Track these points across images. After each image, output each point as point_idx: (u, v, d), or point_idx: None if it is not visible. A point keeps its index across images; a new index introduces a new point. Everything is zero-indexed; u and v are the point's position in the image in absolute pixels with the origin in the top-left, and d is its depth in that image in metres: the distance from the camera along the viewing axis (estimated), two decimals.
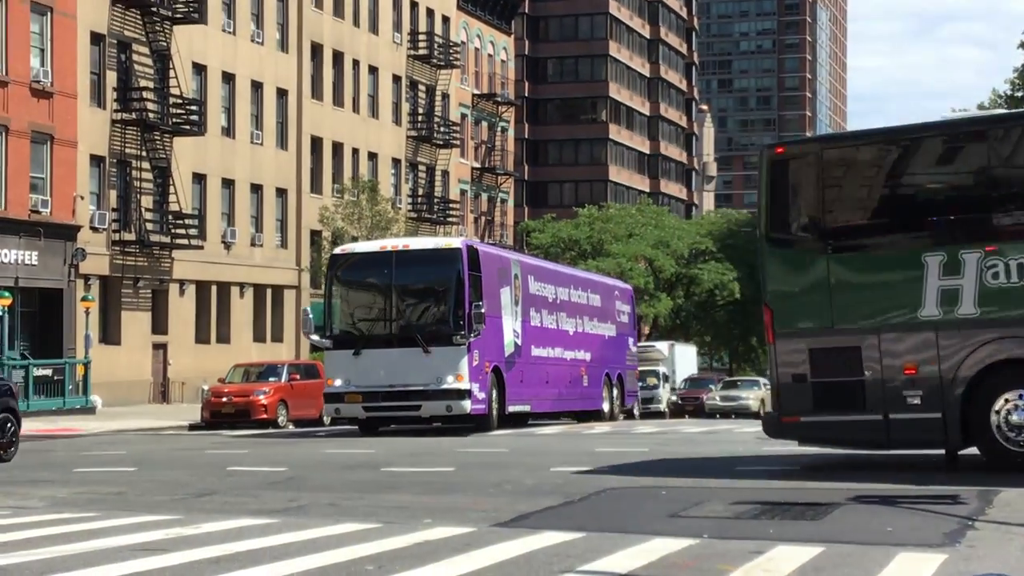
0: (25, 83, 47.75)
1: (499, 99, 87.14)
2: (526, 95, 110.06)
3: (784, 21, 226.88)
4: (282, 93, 64.29)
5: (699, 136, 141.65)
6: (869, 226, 17.58)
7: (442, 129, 78.04)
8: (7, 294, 43.45)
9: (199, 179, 58.57)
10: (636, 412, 44.92)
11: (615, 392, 40.49)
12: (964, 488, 14.74)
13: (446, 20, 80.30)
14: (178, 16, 55.98)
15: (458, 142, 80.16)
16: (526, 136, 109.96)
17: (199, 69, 58.61)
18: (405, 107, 75.35)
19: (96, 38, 52.29)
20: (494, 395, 31.37)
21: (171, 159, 56.03)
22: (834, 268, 17.17)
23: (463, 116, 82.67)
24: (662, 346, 66.91)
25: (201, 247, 56.94)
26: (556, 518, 13.12)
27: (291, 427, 38.31)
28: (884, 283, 17.07)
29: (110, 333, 53.31)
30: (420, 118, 76.70)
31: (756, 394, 57.55)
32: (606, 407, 39.54)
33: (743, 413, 54.28)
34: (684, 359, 69.96)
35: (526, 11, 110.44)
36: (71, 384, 45.32)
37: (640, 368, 58.10)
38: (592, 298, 40.03)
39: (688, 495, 14.92)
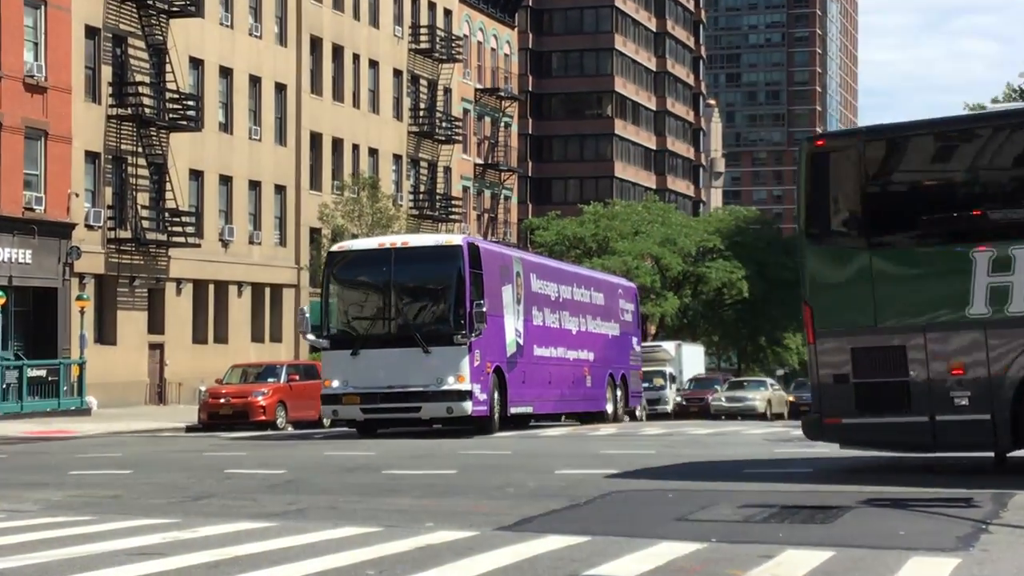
0: (18, 78, 47.78)
1: (502, 94, 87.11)
2: (530, 90, 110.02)
3: (793, 14, 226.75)
4: (281, 88, 64.30)
5: (707, 131, 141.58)
6: (914, 221, 17.21)
7: (444, 124, 78.04)
8: (1, 293, 43.48)
9: (196, 176, 58.59)
10: (639, 414, 44.56)
11: (619, 393, 40.35)
12: (978, 491, 14.73)
13: (448, 13, 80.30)
14: (174, 9, 56.01)
15: (460, 138, 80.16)
16: (530, 132, 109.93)
17: (196, 63, 58.63)
18: (406, 102, 75.36)
19: (91, 32, 52.31)
20: (496, 396, 31.16)
21: (167, 155, 56.05)
22: (877, 265, 16.90)
23: (465, 111, 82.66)
24: (669, 346, 66.90)
25: (198, 245, 56.96)
26: (561, 521, 13.12)
27: (290, 429, 38.31)
28: (930, 280, 16.78)
29: (105, 333, 53.34)
30: (422, 113, 76.69)
31: (763, 395, 57.43)
32: (609, 408, 39.39)
33: (749, 414, 54.13)
34: (691, 359, 69.94)
35: (530, 4, 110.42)
36: (66, 385, 45.35)
37: (646, 368, 58.05)
38: (595, 296, 39.90)
39: (696, 498, 14.91)
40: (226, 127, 60.72)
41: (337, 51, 69.08)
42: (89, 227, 51.58)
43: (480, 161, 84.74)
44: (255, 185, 62.49)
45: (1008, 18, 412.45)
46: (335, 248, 33.16)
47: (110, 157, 53.32)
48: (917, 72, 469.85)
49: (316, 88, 67.10)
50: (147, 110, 54.40)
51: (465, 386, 29.60)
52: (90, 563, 10.67)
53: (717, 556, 10.78)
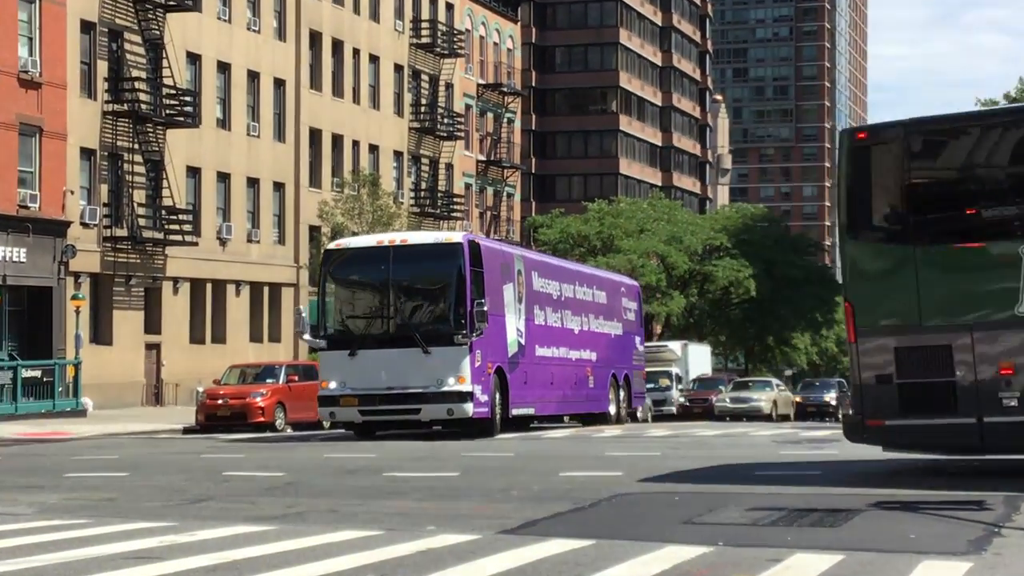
0: (13, 73, 47.79)
1: (505, 89, 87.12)
2: (533, 85, 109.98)
3: (802, 8, 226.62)
4: (279, 83, 64.31)
5: (713, 127, 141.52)
6: (960, 216, 16.94)
7: (446, 120, 78.04)
8: None
9: (193, 173, 58.60)
10: (639, 415, 44.24)
11: (622, 394, 40.25)
12: (990, 494, 14.73)
13: (450, 7, 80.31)
14: (171, 3, 56.01)
15: (462, 134, 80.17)
16: (533, 128, 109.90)
17: (193, 58, 58.64)
18: (407, 98, 75.36)
19: (86, 26, 52.32)
20: (497, 397, 30.96)
21: (164, 152, 56.07)
22: (921, 261, 16.64)
23: (468, 107, 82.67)
24: (675, 346, 66.86)
25: (195, 243, 56.98)
26: (565, 525, 13.12)
27: (289, 430, 38.32)
28: (977, 277, 16.53)
29: (101, 333, 53.35)
30: (423, 109, 76.69)
31: (768, 396, 57.13)
32: (612, 409, 39.25)
33: (754, 416, 53.77)
34: (698, 359, 69.91)
35: None
36: (61, 386, 45.36)
37: (652, 369, 58.03)
38: (598, 295, 39.77)
39: (703, 500, 14.92)
40: (224, 123, 60.73)
41: (337, 46, 69.08)
42: (84, 225, 51.59)
43: (482, 158, 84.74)
44: (253, 182, 62.50)
45: (1021, 12, 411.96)
46: (332, 246, 32.89)
47: (106, 154, 53.33)
48: (927, 67, 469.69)
49: (315, 83, 67.11)
50: (143, 106, 54.41)
51: (466, 387, 29.40)
52: (86, 567, 10.67)
53: (724, 560, 10.78)
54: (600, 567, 10.39)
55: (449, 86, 79.83)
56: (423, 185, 76.81)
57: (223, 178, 60.49)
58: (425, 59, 77.03)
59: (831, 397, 63.25)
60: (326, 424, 35.49)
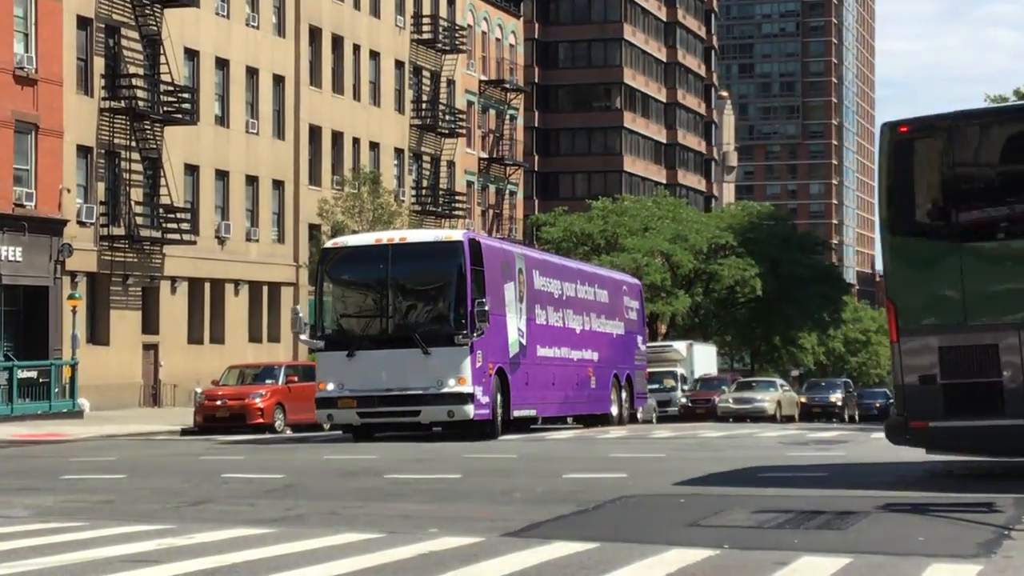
0: (8, 70, 47.81)
1: (507, 85, 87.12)
2: (536, 81, 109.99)
3: (808, 2, 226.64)
4: (279, 80, 64.33)
5: (719, 124, 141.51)
6: (1007, 212, 16.68)
7: (447, 117, 78.05)
8: None
9: (191, 170, 58.62)
10: (640, 416, 43.88)
11: (624, 394, 40.11)
12: (999, 496, 14.72)
13: (451, 2, 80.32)
14: None
15: (464, 131, 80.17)
16: (536, 124, 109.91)
17: (191, 55, 58.66)
18: (408, 94, 75.37)
19: (83, 22, 52.34)
20: (498, 399, 30.73)
21: (162, 149, 56.08)
22: (967, 259, 16.37)
23: (470, 104, 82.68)
24: (680, 346, 66.83)
25: (194, 242, 57.00)
26: (569, 527, 13.13)
27: (289, 432, 38.32)
28: None
29: (98, 333, 53.38)
30: (424, 106, 76.70)
31: (772, 396, 56.86)
32: (614, 410, 39.08)
33: (758, 416, 53.46)
34: (703, 359, 69.88)
35: None
36: (57, 387, 45.39)
37: (657, 369, 57.99)
38: (599, 294, 39.62)
39: (708, 503, 14.92)
40: (222, 120, 60.75)
41: (337, 41, 69.09)
42: (81, 224, 51.61)
43: (484, 155, 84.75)
44: (252, 180, 62.52)
45: None
46: (329, 244, 32.69)
47: (103, 151, 53.35)
48: (936, 62, 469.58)
49: (315, 80, 67.12)
50: (141, 103, 54.44)
51: (467, 388, 29.21)
52: (83, 570, 10.68)
53: (730, 563, 10.79)
54: (604, 570, 10.39)
55: (451, 82, 79.84)
56: (424, 183, 76.82)
57: (221, 176, 60.51)
58: (426, 55, 77.04)
59: (837, 397, 63.14)
60: (326, 426, 35.46)
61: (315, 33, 67.30)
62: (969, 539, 11.80)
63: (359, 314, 30.88)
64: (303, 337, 32.03)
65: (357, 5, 70.82)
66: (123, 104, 53.88)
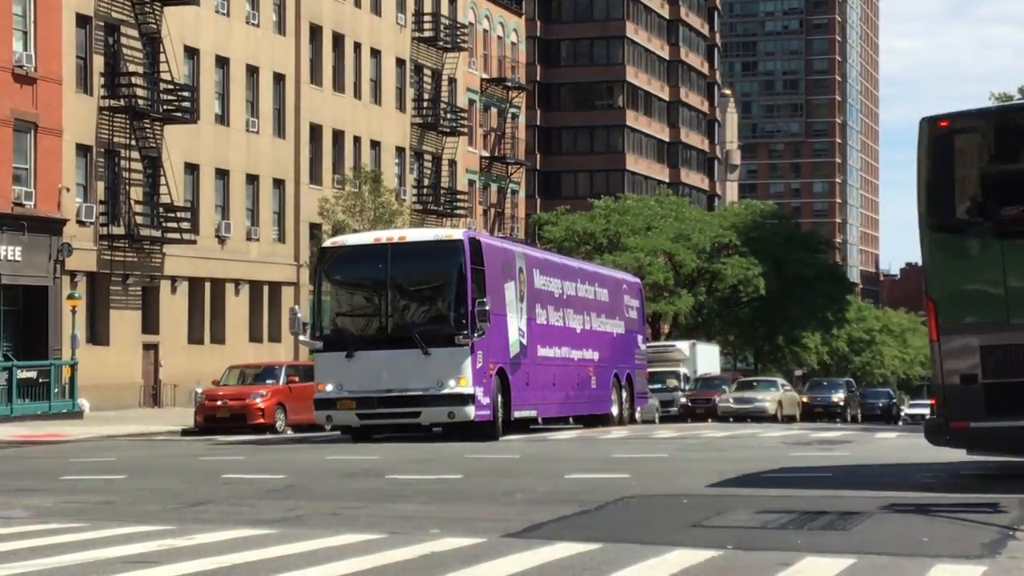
0: (7, 68, 47.82)
1: (509, 84, 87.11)
2: (538, 79, 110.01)
3: (812, 0, 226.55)
4: (279, 78, 64.33)
5: (722, 122, 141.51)
6: None
7: (449, 116, 78.05)
8: None
9: (191, 169, 58.63)
10: (638, 416, 43.39)
11: (624, 394, 39.97)
12: (1004, 496, 14.73)
13: (453, 0, 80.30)
14: None
15: (466, 130, 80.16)
16: (538, 123, 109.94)
17: (191, 53, 58.67)
18: (410, 92, 75.37)
19: (82, 20, 52.35)
20: (499, 400, 30.54)
21: (162, 148, 56.09)
22: (1009, 255, 16.16)
23: (471, 102, 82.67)
24: (683, 346, 66.81)
25: (194, 242, 57.00)
26: (571, 528, 13.13)
27: (290, 432, 38.33)
28: None
29: (98, 333, 53.39)
30: (425, 104, 76.70)
31: (773, 396, 56.54)
32: (615, 410, 38.92)
33: (758, 416, 53.07)
34: (706, 359, 69.85)
35: None
36: (57, 387, 45.39)
37: (660, 369, 57.93)
38: (600, 292, 39.47)
39: (711, 503, 14.92)
40: (222, 119, 60.75)
41: (337, 40, 69.10)
42: (81, 223, 51.62)
43: (486, 154, 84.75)
44: (253, 179, 62.52)
45: None
46: (327, 243, 32.43)
47: (102, 150, 53.36)
48: (941, 60, 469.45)
49: (316, 78, 67.13)
50: (140, 101, 54.44)
51: (467, 389, 29.06)
52: (82, 571, 10.69)
53: (733, 564, 10.79)
54: (607, 571, 10.39)
55: (452, 81, 79.84)
56: (426, 182, 76.82)
57: (222, 175, 60.51)
58: (428, 53, 77.03)
59: (839, 397, 63.01)
60: (327, 426, 35.44)
61: (316, 31, 67.30)
62: (974, 540, 11.79)
63: (358, 314, 30.74)
64: (301, 338, 31.91)
65: (358, 3, 70.82)
66: (123, 103, 53.88)
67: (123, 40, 54.56)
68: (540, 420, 35.99)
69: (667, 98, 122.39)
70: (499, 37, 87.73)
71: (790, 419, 55.18)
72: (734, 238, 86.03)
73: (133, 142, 54.71)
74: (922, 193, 16.71)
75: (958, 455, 18.03)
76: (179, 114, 56.34)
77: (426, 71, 77.20)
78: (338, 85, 69.04)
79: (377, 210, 59.23)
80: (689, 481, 17.85)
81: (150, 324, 56.07)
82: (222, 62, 60.56)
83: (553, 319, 35.24)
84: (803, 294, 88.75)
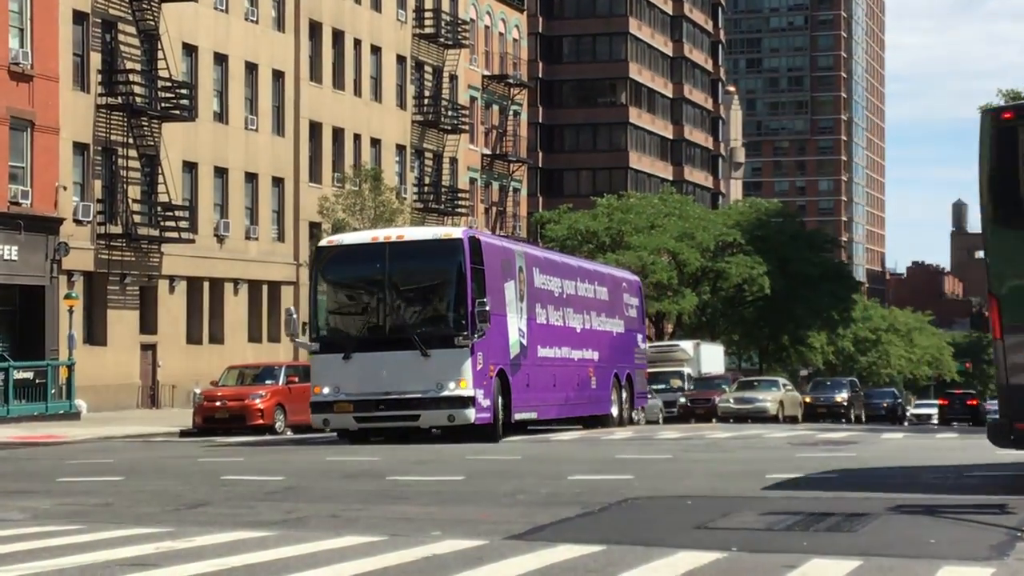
0: (3, 66, 47.83)
1: (511, 81, 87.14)
2: (540, 76, 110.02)
3: None
4: (278, 75, 64.34)
5: (726, 120, 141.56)
6: None
7: (450, 113, 78.06)
8: None
9: (190, 168, 58.65)
10: (635, 417, 43.11)
11: (624, 394, 39.79)
12: (1012, 497, 14.73)
13: None
14: None
15: (467, 127, 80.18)
16: (540, 120, 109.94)
17: (189, 50, 58.68)
18: (410, 90, 75.38)
19: (79, 17, 52.36)
20: (499, 402, 30.31)
21: (160, 146, 56.11)
22: None
23: (472, 99, 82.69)
24: (687, 345, 66.77)
25: (192, 241, 57.02)
26: (574, 530, 13.13)
27: (289, 433, 38.32)
28: None
29: (95, 333, 53.41)
30: (426, 101, 76.71)
31: (774, 396, 56.18)
32: (615, 411, 38.80)
33: (759, 417, 52.65)
34: (710, 359, 69.83)
35: None
36: (54, 388, 45.41)
37: (664, 369, 57.86)
38: (599, 291, 39.27)
39: (715, 505, 14.92)
40: (221, 116, 60.76)
41: (337, 36, 69.11)
42: (78, 222, 51.63)
43: (488, 152, 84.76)
44: (252, 177, 62.54)
45: None
46: (323, 242, 32.05)
47: (99, 148, 53.37)
48: (948, 56, 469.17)
49: (315, 75, 67.14)
50: (138, 99, 54.45)
51: (467, 392, 28.83)
52: (80, 574, 10.69)
53: (737, 566, 10.79)
54: (610, 573, 10.39)
55: (453, 78, 79.86)
56: (427, 180, 76.83)
57: (220, 173, 60.52)
58: (428, 50, 77.05)
59: (843, 397, 62.83)
60: (326, 429, 35.34)
61: (315, 28, 67.31)
62: (981, 541, 11.79)
63: (355, 315, 30.46)
64: (297, 339, 31.72)
65: None
66: (120, 100, 53.89)
67: (120, 37, 54.58)
68: (536, 422, 35.85)
69: (671, 95, 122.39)
70: (501, 33, 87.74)
71: (792, 420, 54.88)
72: (738, 237, 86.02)
73: (131, 140, 54.72)
74: (984, 187, 16.46)
75: (959, 456, 18.05)
76: (177, 112, 56.34)
77: (427, 68, 77.21)
78: (338, 82, 69.05)
79: (377, 209, 59.23)
80: (695, 482, 17.85)
81: (148, 324, 56.08)
82: (221, 59, 60.58)
83: (553, 319, 35.06)
84: (808, 293, 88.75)
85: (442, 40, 77.46)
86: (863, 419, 63.18)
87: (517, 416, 31.78)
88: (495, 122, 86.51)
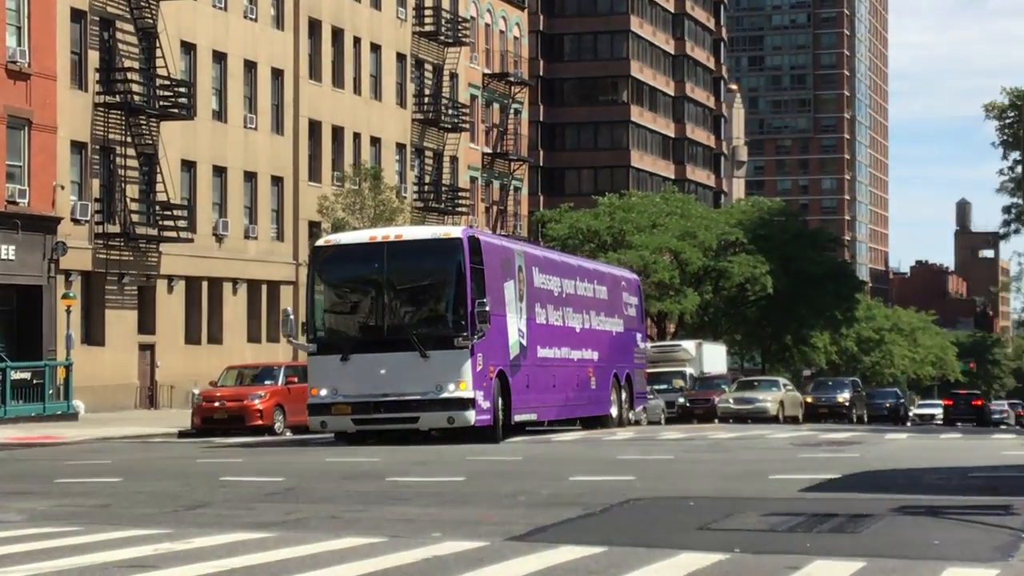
0: (0, 64, 47.83)
1: (512, 79, 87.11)
2: (541, 74, 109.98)
3: None
4: (277, 73, 64.32)
5: (728, 118, 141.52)
6: None
7: (450, 112, 78.04)
8: None
9: (188, 167, 58.64)
10: (632, 417, 42.85)
11: (623, 394, 39.66)
12: (1016, 498, 14.73)
13: None
14: None
15: (468, 126, 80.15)
16: (541, 119, 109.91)
17: (188, 48, 58.67)
18: (410, 88, 75.36)
19: (77, 15, 52.35)
20: (499, 403, 30.12)
21: (158, 145, 56.10)
22: None
23: (473, 97, 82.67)
24: (689, 345, 66.75)
25: (191, 240, 57.01)
26: (575, 531, 13.13)
27: (288, 434, 38.31)
28: None
29: (93, 333, 53.40)
30: (427, 100, 76.68)
31: (774, 396, 55.99)
32: (614, 411, 38.68)
33: (759, 417, 52.43)
34: (712, 359, 69.77)
35: None
36: (52, 388, 45.40)
37: (666, 369, 57.82)
38: (599, 290, 39.14)
39: (718, 506, 14.92)
40: (220, 115, 60.75)
41: (337, 34, 69.10)
42: (75, 221, 51.63)
43: (488, 150, 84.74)
44: (251, 176, 62.52)
45: None
46: (320, 242, 31.77)
47: (97, 147, 53.36)
48: (951, 55, 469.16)
49: (315, 74, 67.12)
50: (136, 97, 54.44)
51: (467, 393, 28.66)
52: None
53: (740, 567, 10.79)
54: (612, 575, 10.39)
55: (454, 76, 79.83)
56: (427, 179, 76.81)
57: (219, 172, 60.50)
58: (429, 48, 77.03)
59: (844, 397, 62.69)
60: (325, 431, 35.28)
61: (315, 25, 67.29)
62: (985, 542, 11.79)
63: (353, 315, 30.30)
64: (294, 340, 31.56)
65: None
66: (118, 99, 53.87)
67: (119, 35, 54.58)
68: (535, 423, 35.79)
69: (672, 93, 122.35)
70: (501, 31, 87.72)
71: (793, 420, 54.67)
72: (741, 236, 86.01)
73: (129, 139, 54.71)
74: None
75: (964, 457, 18.05)
76: (176, 110, 56.33)
77: (427, 66, 77.19)
78: (337, 80, 69.04)
79: (377, 208, 59.21)
80: (697, 483, 17.84)
81: (146, 324, 56.06)
82: (219, 57, 60.57)
83: (553, 318, 34.92)
84: (811, 293, 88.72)
85: (442, 38, 77.45)
86: (865, 419, 63.10)
87: (517, 417, 31.65)
88: (496, 120, 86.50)
